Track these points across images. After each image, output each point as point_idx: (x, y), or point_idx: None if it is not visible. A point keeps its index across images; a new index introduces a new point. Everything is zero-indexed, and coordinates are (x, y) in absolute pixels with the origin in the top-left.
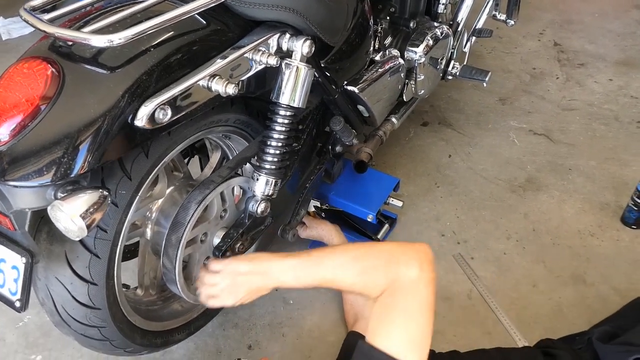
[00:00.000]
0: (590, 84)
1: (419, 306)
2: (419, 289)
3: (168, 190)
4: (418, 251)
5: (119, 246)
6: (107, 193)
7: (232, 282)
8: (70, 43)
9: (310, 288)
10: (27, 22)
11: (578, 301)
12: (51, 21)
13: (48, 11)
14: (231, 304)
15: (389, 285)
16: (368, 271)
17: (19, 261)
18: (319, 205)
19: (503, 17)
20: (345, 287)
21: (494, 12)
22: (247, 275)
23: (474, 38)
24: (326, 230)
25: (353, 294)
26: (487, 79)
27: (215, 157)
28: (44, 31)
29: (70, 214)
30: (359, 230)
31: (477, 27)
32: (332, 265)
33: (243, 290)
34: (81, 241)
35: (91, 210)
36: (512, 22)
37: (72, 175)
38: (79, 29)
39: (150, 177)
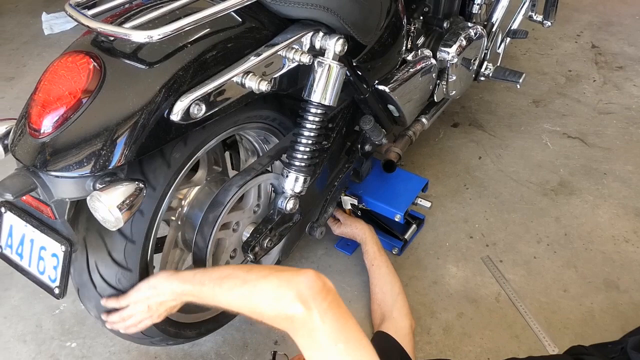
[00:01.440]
0: (629, 87)
1: (327, 340)
2: (315, 327)
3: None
4: (297, 287)
5: (153, 234)
6: (143, 185)
7: (146, 308)
8: (111, 38)
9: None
10: (71, 17)
11: (610, 307)
12: (94, 17)
13: (91, 7)
14: (150, 324)
15: (287, 323)
16: (251, 301)
17: (59, 249)
18: (356, 204)
19: (540, 18)
20: (232, 309)
21: (530, 13)
22: (156, 296)
23: (508, 39)
24: (359, 229)
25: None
26: (520, 80)
27: (245, 153)
28: (87, 26)
29: (108, 205)
30: (386, 230)
31: (512, 28)
32: (213, 285)
33: (162, 310)
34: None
35: (127, 201)
36: (549, 24)
37: (110, 167)
38: (120, 24)
39: (189, 164)
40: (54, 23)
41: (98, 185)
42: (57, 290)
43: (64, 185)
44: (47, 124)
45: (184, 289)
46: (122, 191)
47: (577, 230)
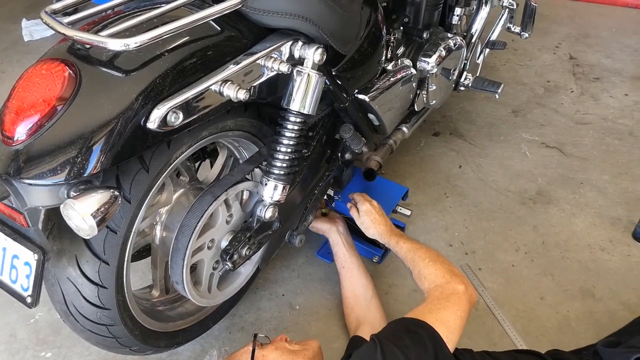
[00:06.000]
0: (605, 98)
1: (459, 312)
2: (462, 300)
3: (175, 196)
4: (465, 280)
5: (128, 248)
6: (118, 193)
7: (370, 210)
8: (88, 46)
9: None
10: (47, 24)
11: (586, 315)
12: (70, 24)
13: (68, 14)
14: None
15: (438, 287)
16: (429, 264)
17: (32, 258)
18: (332, 195)
19: (517, 29)
20: (411, 263)
21: (508, 25)
22: (377, 213)
23: (487, 50)
24: (326, 228)
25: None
26: (499, 90)
27: (221, 160)
28: (63, 34)
29: (82, 213)
30: (367, 238)
31: (491, 39)
32: (410, 244)
33: (376, 216)
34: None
35: (102, 209)
36: (527, 35)
37: (85, 175)
38: (96, 32)
39: (167, 171)
40: (34, 30)
41: (72, 193)
42: (29, 299)
43: (38, 193)
44: (21, 132)
45: (383, 239)
46: (97, 199)
47: (554, 239)
